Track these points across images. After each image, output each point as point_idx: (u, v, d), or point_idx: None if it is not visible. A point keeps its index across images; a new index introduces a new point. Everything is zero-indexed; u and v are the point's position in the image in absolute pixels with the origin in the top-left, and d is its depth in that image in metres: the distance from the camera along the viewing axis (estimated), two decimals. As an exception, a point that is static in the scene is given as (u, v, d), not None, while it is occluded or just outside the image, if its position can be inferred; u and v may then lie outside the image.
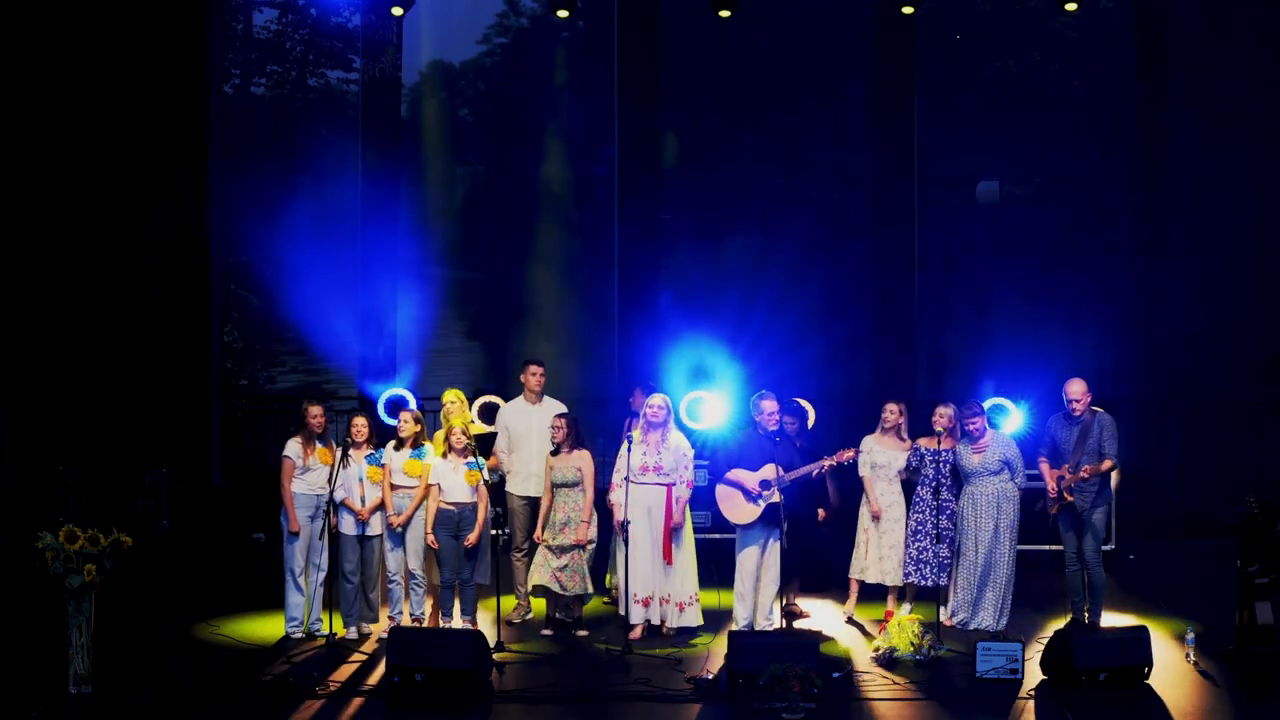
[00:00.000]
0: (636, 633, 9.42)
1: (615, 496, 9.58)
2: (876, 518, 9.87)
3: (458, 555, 9.54)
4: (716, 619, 9.78)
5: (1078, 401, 9.55)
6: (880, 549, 9.91)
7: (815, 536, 10.10)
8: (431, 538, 9.45)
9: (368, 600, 9.65)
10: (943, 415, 9.77)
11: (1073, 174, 13.82)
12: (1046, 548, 10.78)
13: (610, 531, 9.97)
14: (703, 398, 11.49)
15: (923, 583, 9.79)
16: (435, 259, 14.03)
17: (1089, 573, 9.62)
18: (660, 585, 9.54)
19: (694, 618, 9.65)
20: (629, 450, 9.47)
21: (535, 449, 10.01)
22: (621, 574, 9.52)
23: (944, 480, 9.70)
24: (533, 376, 10.23)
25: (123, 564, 8.37)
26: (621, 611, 9.51)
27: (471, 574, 9.62)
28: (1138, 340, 13.44)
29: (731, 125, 13.93)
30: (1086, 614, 9.67)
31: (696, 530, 11.58)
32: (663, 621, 9.56)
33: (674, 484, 9.57)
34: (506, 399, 10.96)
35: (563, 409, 10.06)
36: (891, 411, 9.99)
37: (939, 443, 9.66)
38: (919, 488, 9.89)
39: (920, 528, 9.82)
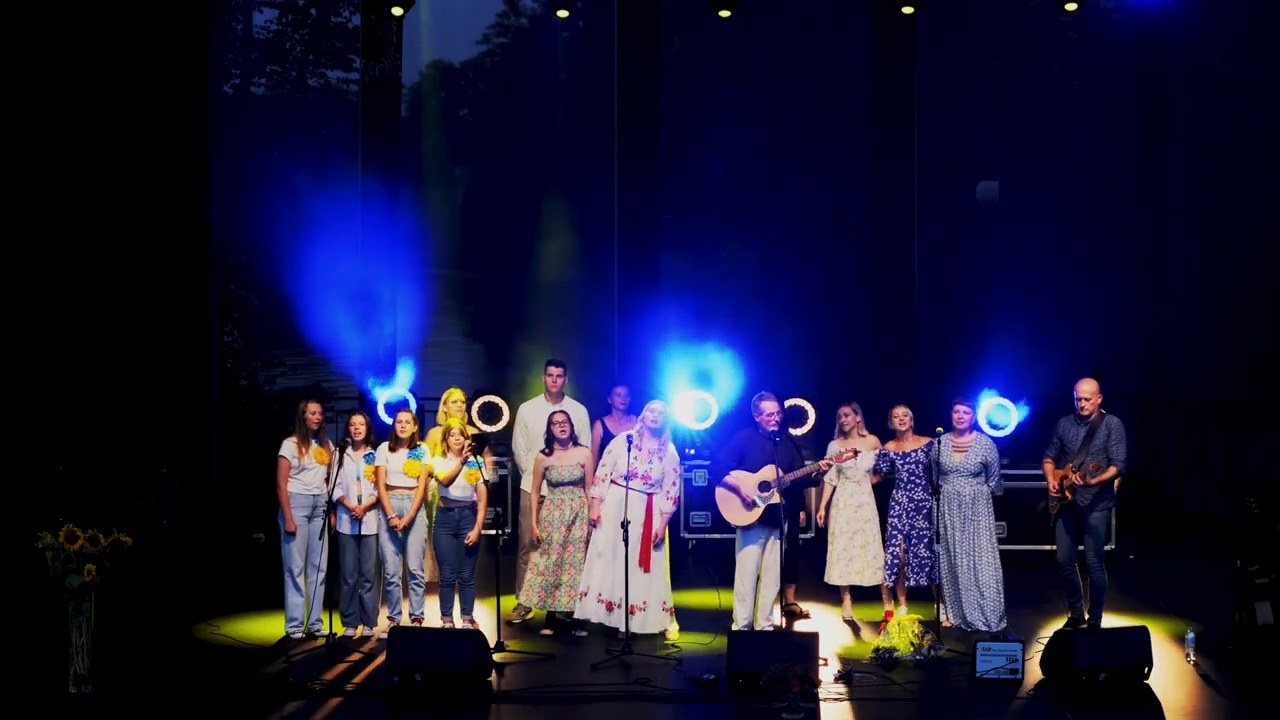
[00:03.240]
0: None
1: (596, 492, 9.55)
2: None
3: (458, 554, 9.56)
4: (716, 619, 9.80)
5: (1087, 400, 9.55)
6: (851, 549, 9.92)
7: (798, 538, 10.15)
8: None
9: (363, 601, 9.64)
10: (900, 417, 9.84)
11: (1073, 174, 13.82)
12: (1047, 548, 10.78)
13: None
14: (703, 398, 11.49)
15: (900, 583, 9.81)
16: (435, 259, 14.04)
17: (1091, 575, 9.62)
18: (636, 592, 9.48)
19: (664, 622, 9.58)
20: (627, 450, 9.47)
21: None
22: (596, 573, 9.49)
23: (918, 481, 9.74)
24: (551, 377, 10.28)
25: (123, 564, 8.37)
26: (579, 612, 9.48)
27: (472, 573, 9.64)
28: (1137, 339, 13.45)
29: (732, 125, 13.93)
30: (1087, 614, 9.66)
31: (697, 530, 11.62)
32: (626, 629, 9.37)
33: (654, 494, 9.55)
34: (506, 399, 10.98)
35: (580, 408, 10.09)
36: (846, 414, 10.05)
37: (901, 444, 9.73)
38: (894, 490, 9.91)
39: (897, 531, 9.83)
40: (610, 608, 9.45)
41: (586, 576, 9.52)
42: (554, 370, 10.31)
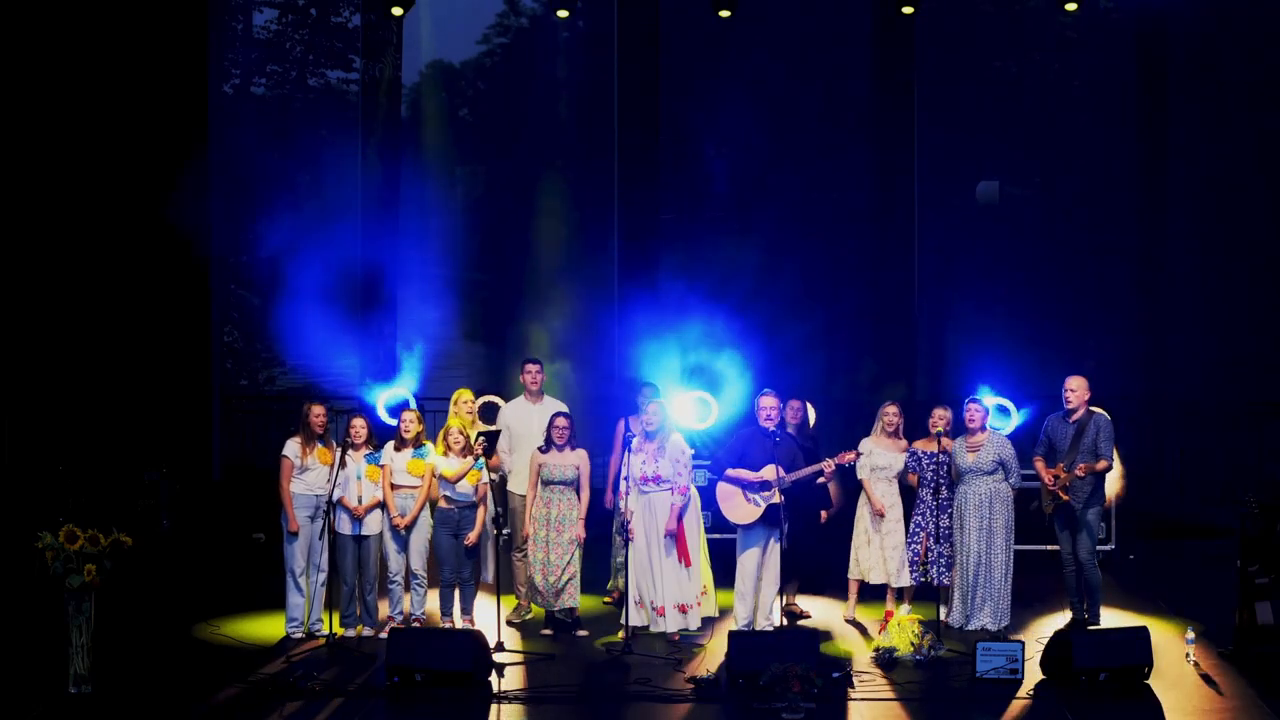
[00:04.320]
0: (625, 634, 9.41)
1: (626, 503, 9.53)
2: (881, 515, 9.88)
3: (458, 554, 9.56)
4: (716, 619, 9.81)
5: (1072, 392, 9.56)
6: (884, 550, 9.93)
7: (816, 537, 10.12)
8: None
9: (365, 603, 9.64)
10: (940, 417, 9.80)
11: (1073, 174, 13.82)
12: (1045, 548, 10.79)
13: (610, 535, 9.95)
14: (704, 398, 11.50)
15: (921, 580, 9.82)
16: (435, 259, 14.02)
17: (1084, 572, 9.62)
18: (685, 591, 9.51)
19: (694, 620, 9.63)
20: (629, 456, 9.46)
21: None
22: (631, 577, 9.49)
23: (944, 480, 9.73)
24: (529, 375, 10.28)
25: (123, 564, 8.37)
26: (626, 619, 9.47)
27: (471, 573, 9.64)
28: (1137, 339, 13.44)
29: (731, 125, 13.92)
30: (1086, 614, 9.67)
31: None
32: (627, 627, 9.38)
33: (674, 489, 9.57)
34: (507, 399, 10.97)
35: (563, 407, 10.07)
36: (893, 413, 10.01)
37: (938, 444, 9.67)
38: (920, 489, 9.91)
39: (920, 529, 9.84)
40: (683, 610, 9.46)
41: (638, 589, 9.51)
42: (531, 368, 10.31)
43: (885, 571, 9.93)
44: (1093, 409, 9.60)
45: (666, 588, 9.44)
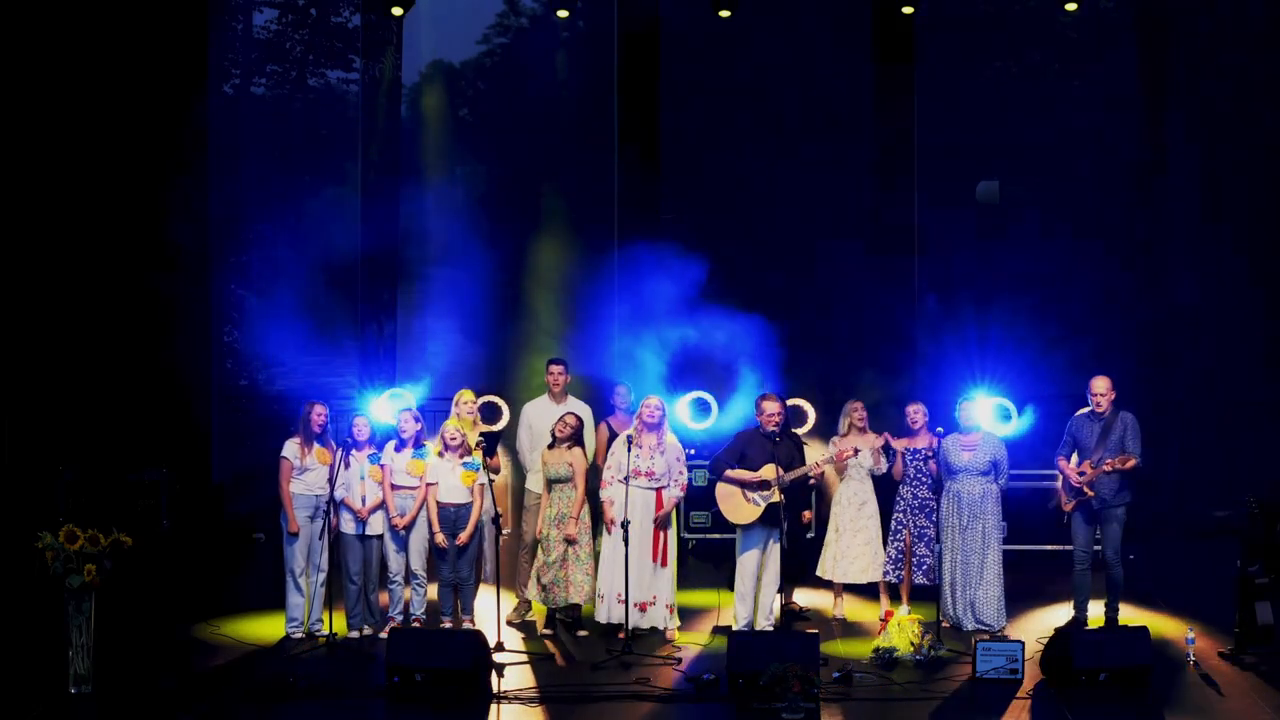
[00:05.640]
0: (621, 632, 9.40)
1: (609, 494, 9.56)
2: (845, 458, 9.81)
3: (456, 554, 9.57)
4: (716, 619, 9.79)
5: (1102, 396, 9.59)
6: (854, 547, 9.96)
7: (802, 537, 10.18)
8: (440, 536, 9.46)
9: (368, 602, 9.65)
10: (912, 413, 9.88)
11: (1072, 174, 13.80)
12: (1047, 547, 10.79)
13: (598, 533, 9.99)
14: (703, 398, 11.51)
15: (907, 580, 9.85)
16: (435, 259, 14.01)
17: (1109, 572, 9.63)
18: (647, 588, 9.51)
19: (666, 620, 9.61)
20: (628, 449, 9.47)
21: None
22: (606, 574, 9.50)
23: (923, 479, 9.78)
24: (552, 376, 10.35)
25: (123, 564, 8.37)
26: (600, 616, 9.48)
27: (470, 573, 9.65)
28: (1138, 340, 13.42)
29: (731, 125, 13.91)
30: (1105, 611, 9.66)
31: (697, 530, 11.62)
32: (627, 628, 9.41)
33: (665, 487, 9.56)
34: (507, 399, 11.00)
35: (585, 408, 10.13)
36: (856, 409, 10.09)
37: (912, 441, 9.76)
38: (900, 486, 9.96)
39: (901, 526, 9.88)
40: (643, 608, 9.46)
41: (603, 580, 9.52)
42: (554, 369, 10.38)
43: (857, 569, 9.96)
44: (1117, 407, 9.61)
45: (632, 582, 9.41)
